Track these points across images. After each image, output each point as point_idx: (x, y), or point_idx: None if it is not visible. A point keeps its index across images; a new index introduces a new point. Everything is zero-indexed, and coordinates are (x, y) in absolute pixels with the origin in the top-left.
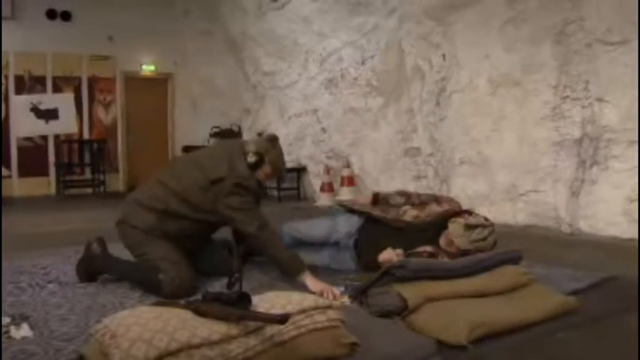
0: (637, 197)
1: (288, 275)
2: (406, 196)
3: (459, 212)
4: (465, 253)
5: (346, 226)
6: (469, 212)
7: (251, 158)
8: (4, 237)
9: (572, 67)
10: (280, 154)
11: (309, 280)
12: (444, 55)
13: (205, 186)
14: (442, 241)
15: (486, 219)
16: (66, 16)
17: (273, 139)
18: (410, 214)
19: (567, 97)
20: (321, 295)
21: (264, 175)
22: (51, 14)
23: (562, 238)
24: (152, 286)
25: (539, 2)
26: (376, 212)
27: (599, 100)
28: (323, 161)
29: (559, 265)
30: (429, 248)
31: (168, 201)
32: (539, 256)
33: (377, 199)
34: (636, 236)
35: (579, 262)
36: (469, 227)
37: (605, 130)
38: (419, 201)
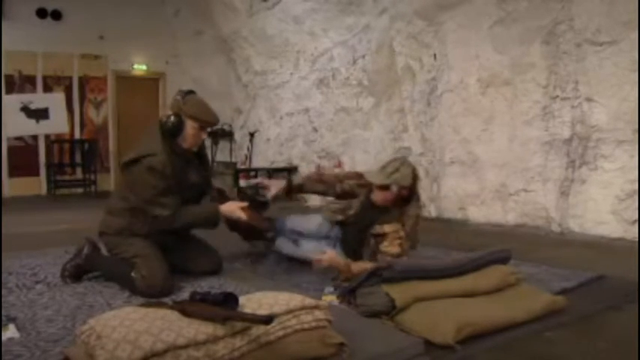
0: (626, 196)
1: (212, 223)
2: (324, 183)
3: None
4: (386, 188)
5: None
6: None
7: (168, 123)
8: None
9: (561, 67)
10: (198, 103)
11: (224, 207)
12: (434, 55)
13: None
14: (377, 198)
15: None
16: (56, 15)
17: (186, 92)
18: (348, 183)
19: (557, 96)
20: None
21: (192, 134)
22: (41, 13)
23: (552, 238)
24: (127, 284)
25: (529, 3)
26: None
27: (589, 99)
28: (314, 161)
29: (548, 265)
30: (386, 227)
31: (126, 197)
32: (529, 255)
33: (290, 188)
34: (625, 235)
35: (569, 261)
36: (382, 167)
37: (594, 129)
38: (341, 190)
